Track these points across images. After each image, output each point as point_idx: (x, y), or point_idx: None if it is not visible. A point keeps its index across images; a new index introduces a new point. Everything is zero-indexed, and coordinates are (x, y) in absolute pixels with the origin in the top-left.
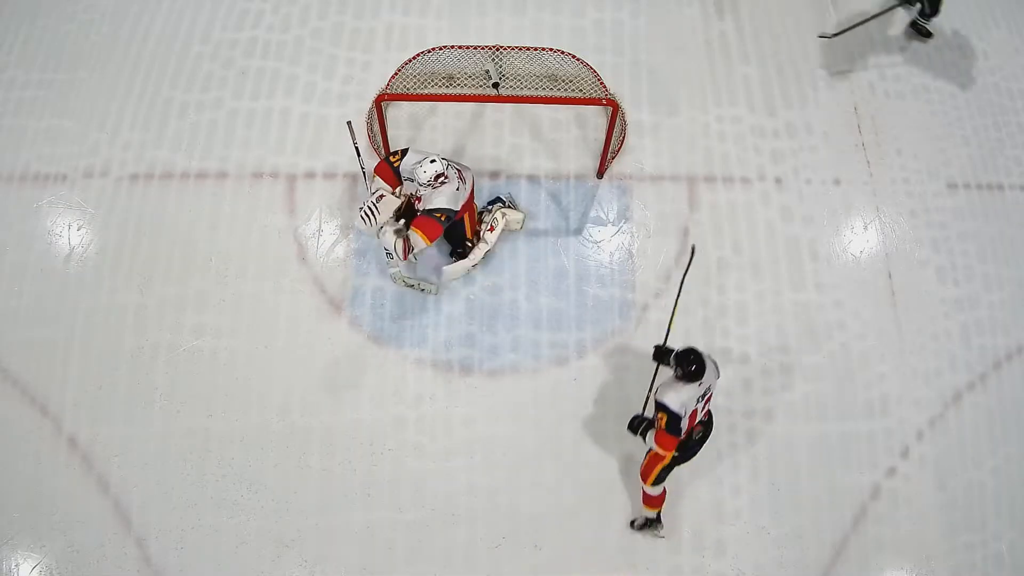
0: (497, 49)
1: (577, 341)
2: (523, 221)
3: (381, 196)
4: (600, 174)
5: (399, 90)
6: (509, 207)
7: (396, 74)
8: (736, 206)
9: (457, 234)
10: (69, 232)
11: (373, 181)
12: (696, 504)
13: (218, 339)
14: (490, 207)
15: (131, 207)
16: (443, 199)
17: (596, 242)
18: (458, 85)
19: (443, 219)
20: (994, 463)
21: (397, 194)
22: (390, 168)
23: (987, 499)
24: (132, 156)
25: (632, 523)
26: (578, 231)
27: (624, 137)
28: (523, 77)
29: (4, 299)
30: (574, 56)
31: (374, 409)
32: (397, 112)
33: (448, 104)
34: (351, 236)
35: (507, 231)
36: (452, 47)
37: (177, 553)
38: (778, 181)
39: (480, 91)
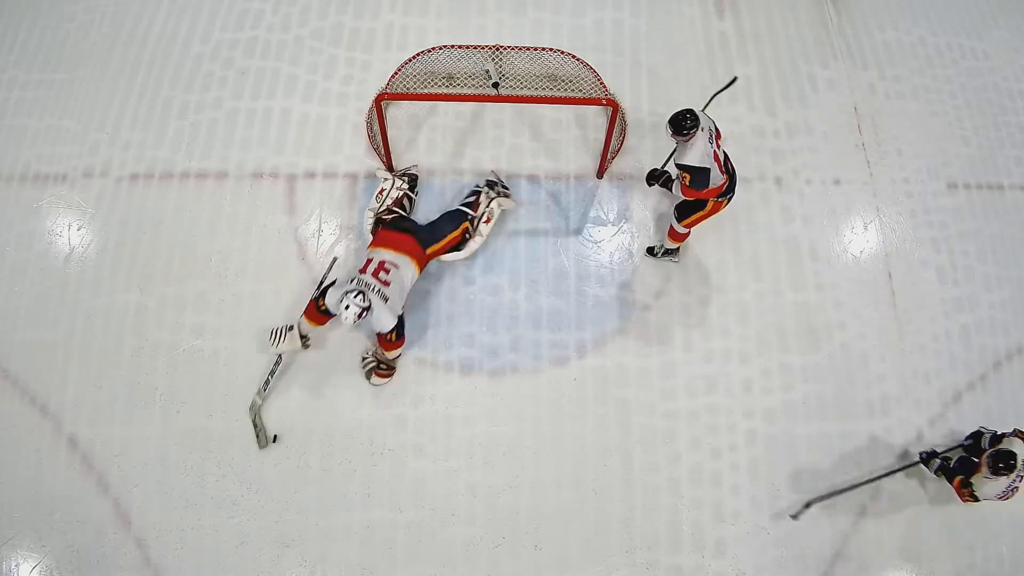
0: (497, 49)
1: (577, 341)
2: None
3: (291, 328)
4: (600, 174)
5: (399, 90)
6: (499, 195)
7: (396, 74)
8: (736, 206)
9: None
10: (69, 232)
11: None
12: (696, 504)
13: (218, 339)
14: (476, 195)
15: (131, 207)
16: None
17: (596, 242)
18: (458, 85)
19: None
20: None
21: (306, 344)
22: (317, 311)
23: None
24: (132, 156)
25: (651, 249)
26: (578, 231)
27: (624, 137)
28: (523, 77)
29: (4, 299)
30: (574, 56)
31: (374, 409)
32: (397, 112)
33: (448, 104)
34: (351, 236)
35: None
36: (452, 47)
37: (177, 553)
38: (778, 181)
39: (480, 91)
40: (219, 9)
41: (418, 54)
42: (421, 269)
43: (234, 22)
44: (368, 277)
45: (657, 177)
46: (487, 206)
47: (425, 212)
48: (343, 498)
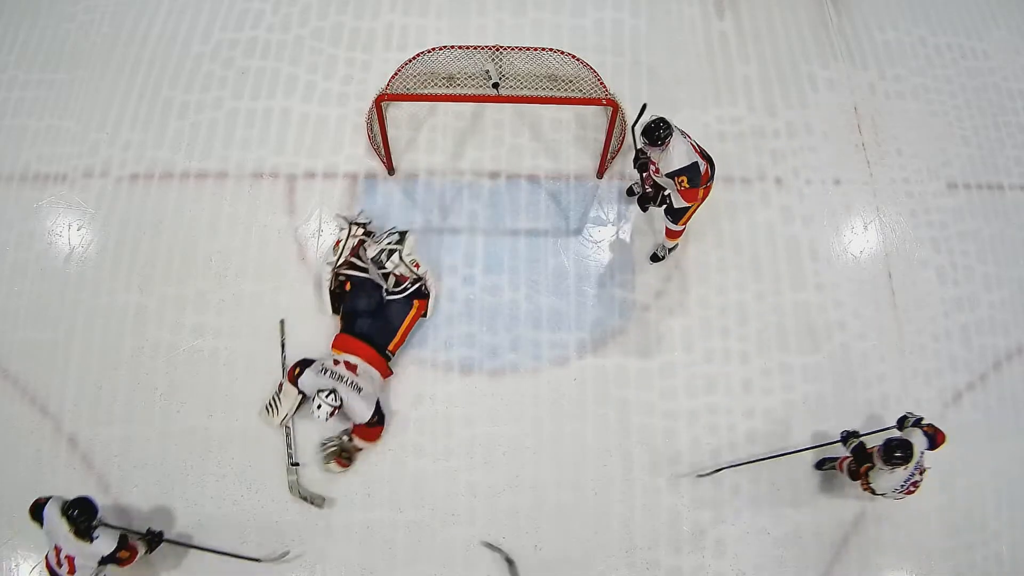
0: (497, 49)
1: (577, 341)
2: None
3: (281, 385)
4: (600, 174)
5: (399, 90)
6: (399, 241)
7: (396, 74)
8: (736, 206)
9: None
10: (69, 232)
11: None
12: (696, 504)
13: (218, 339)
14: (384, 259)
15: (131, 207)
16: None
17: (596, 242)
18: (458, 85)
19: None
20: (994, 463)
21: (298, 391)
22: (295, 377)
23: (987, 499)
24: (132, 156)
25: (655, 256)
26: (578, 231)
27: (624, 137)
28: (523, 77)
29: (4, 299)
30: (574, 56)
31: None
32: (397, 112)
33: (448, 104)
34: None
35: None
36: (452, 47)
37: (177, 553)
38: (778, 181)
39: (480, 91)
40: (219, 9)
41: (418, 54)
42: (388, 371)
43: (234, 22)
44: (341, 369)
45: (652, 199)
46: (406, 265)
47: (425, 213)
48: (343, 498)
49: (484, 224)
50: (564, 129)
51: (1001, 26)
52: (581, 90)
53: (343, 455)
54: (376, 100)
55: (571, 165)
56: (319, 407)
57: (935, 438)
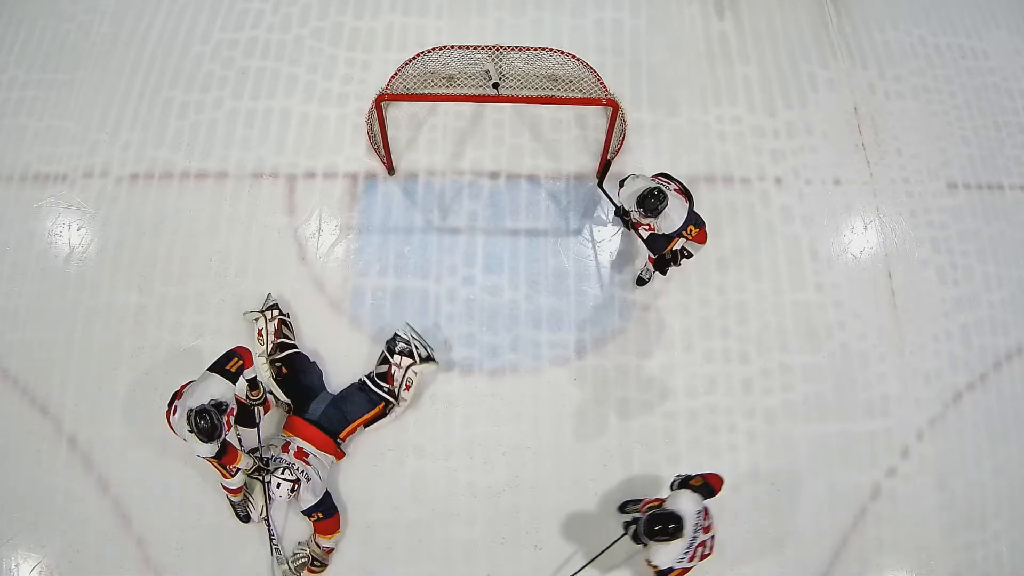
0: (497, 49)
1: (577, 341)
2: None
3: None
4: (600, 174)
5: (399, 90)
6: (420, 360)
7: (396, 74)
8: (736, 206)
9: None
10: (69, 232)
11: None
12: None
13: (218, 339)
14: (394, 359)
15: (131, 207)
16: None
17: (596, 242)
18: (458, 85)
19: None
20: (994, 463)
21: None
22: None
23: (987, 499)
24: (132, 156)
25: (641, 280)
26: (578, 231)
27: (624, 137)
28: (523, 77)
29: (4, 299)
30: (574, 56)
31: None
32: (397, 112)
33: (448, 104)
34: (351, 236)
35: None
36: (452, 47)
37: (177, 553)
38: (778, 181)
39: (480, 91)
40: (219, 9)
41: (418, 54)
42: (341, 453)
43: (234, 22)
44: (289, 457)
45: (671, 260)
46: (404, 375)
47: (425, 213)
48: (344, 498)
49: (484, 224)
50: (564, 129)
51: (1001, 26)
52: (581, 90)
53: (315, 563)
54: (376, 100)
55: (571, 165)
56: (278, 486)
57: (710, 486)
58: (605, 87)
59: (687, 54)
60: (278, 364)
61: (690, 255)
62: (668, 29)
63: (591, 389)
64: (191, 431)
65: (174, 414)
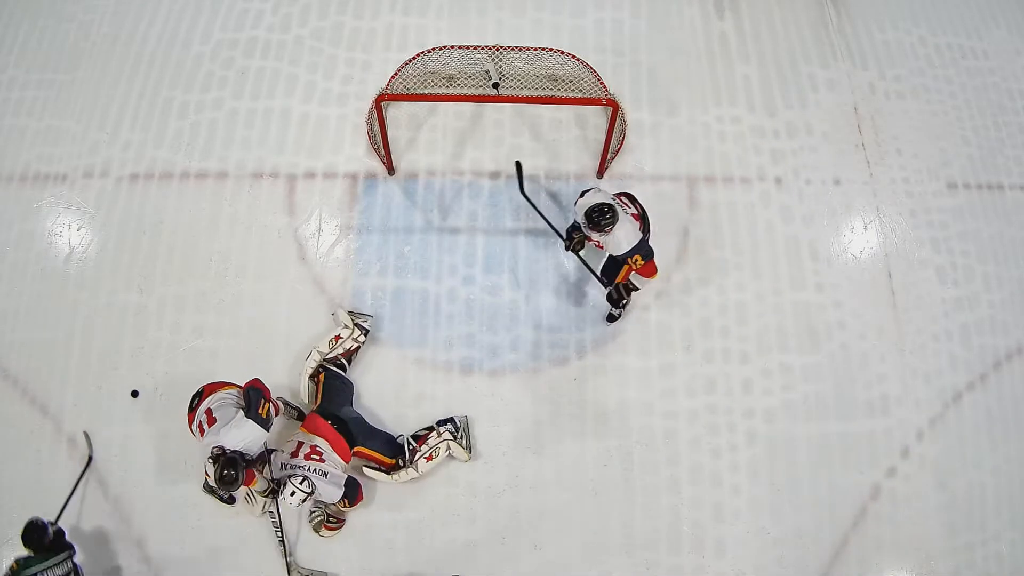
0: (497, 49)
1: (577, 341)
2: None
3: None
4: (600, 174)
5: (399, 90)
6: (458, 441)
7: (396, 74)
8: (736, 206)
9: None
10: (69, 232)
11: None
12: (696, 504)
13: (218, 339)
14: (439, 428)
15: (131, 207)
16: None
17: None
18: (458, 85)
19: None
20: (994, 463)
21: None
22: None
23: (987, 499)
24: (132, 156)
25: (611, 317)
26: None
27: (624, 137)
28: (523, 77)
29: (4, 299)
30: (574, 56)
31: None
32: (397, 112)
33: (448, 104)
34: (351, 236)
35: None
36: (452, 47)
37: (177, 553)
38: (778, 181)
39: (480, 91)
40: (219, 9)
41: (418, 54)
42: (350, 457)
43: (234, 22)
44: (301, 460)
45: (617, 300)
46: (436, 444)
47: (425, 213)
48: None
49: (484, 224)
50: (564, 129)
51: (1001, 26)
52: (581, 90)
53: (330, 520)
54: (376, 100)
55: (571, 165)
56: (292, 494)
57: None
58: (605, 87)
59: (687, 54)
60: (320, 369)
61: (636, 288)
62: (668, 29)
63: (591, 389)
64: (215, 477)
65: (200, 430)
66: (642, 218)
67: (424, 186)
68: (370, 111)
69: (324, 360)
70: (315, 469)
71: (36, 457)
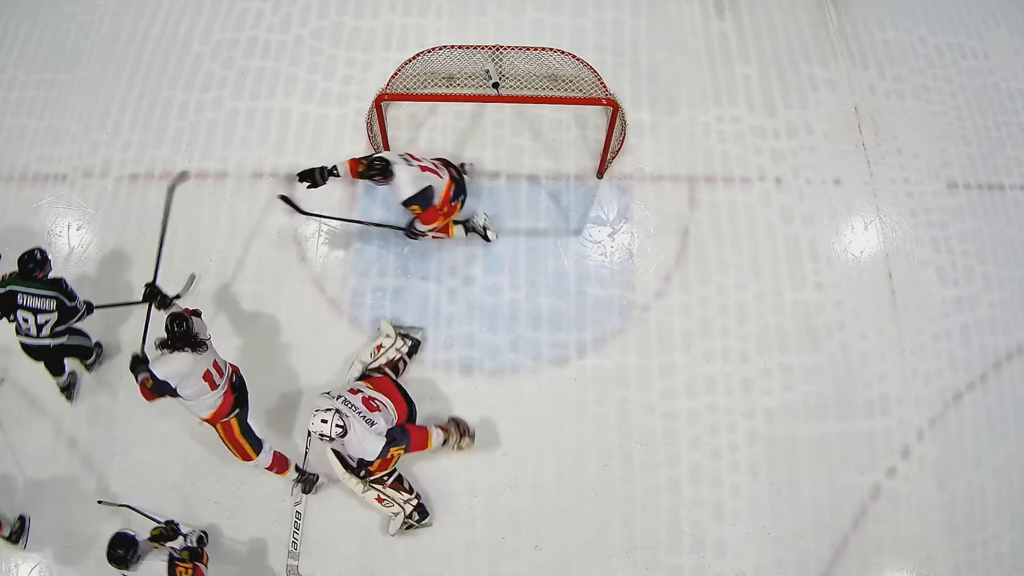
0: (497, 49)
1: (577, 341)
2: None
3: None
4: (600, 174)
5: (399, 90)
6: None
7: (396, 74)
8: (736, 206)
9: None
10: (69, 232)
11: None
12: (696, 504)
13: (217, 339)
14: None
15: (131, 207)
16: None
17: (596, 242)
18: (458, 85)
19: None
20: (994, 463)
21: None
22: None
23: (987, 499)
24: (132, 156)
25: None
26: (578, 231)
27: (624, 137)
28: (523, 77)
29: None
30: (574, 56)
31: None
32: (397, 112)
33: (448, 104)
34: (351, 236)
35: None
36: (452, 47)
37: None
38: (778, 181)
39: (480, 91)
40: (219, 9)
41: (418, 54)
42: (408, 418)
43: (234, 22)
44: (357, 401)
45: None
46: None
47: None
48: (344, 498)
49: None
50: (564, 129)
51: (1001, 26)
52: (581, 90)
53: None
54: (376, 100)
55: (571, 165)
56: (323, 422)
57: None
58: (605, 87)
59: (687, 54)
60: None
61: (421, 232)
62: (668, 29)
63: (591, 389)
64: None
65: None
66: (444, 174)
67: None
68: (370, 111)
69: (367, 370)
70: (364, 415)
71: (36, 457)
